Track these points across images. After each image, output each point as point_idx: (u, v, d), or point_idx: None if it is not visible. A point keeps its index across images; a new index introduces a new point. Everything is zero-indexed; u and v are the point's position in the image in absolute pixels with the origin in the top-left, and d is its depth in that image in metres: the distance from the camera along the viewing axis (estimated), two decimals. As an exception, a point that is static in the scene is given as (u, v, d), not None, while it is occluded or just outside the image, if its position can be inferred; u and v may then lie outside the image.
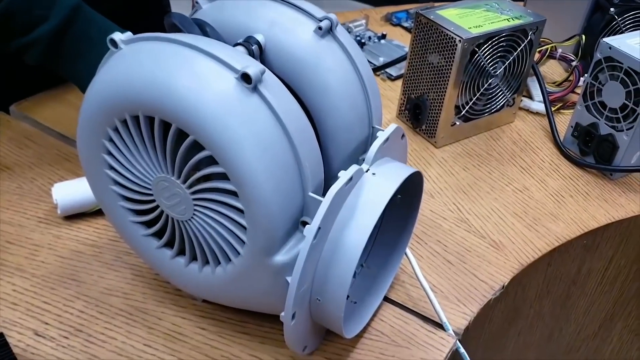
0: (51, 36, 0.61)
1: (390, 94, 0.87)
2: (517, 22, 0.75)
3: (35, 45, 0.61)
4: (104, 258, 0.60)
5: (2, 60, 0.73)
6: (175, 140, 0.44)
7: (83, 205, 0.63)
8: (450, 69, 0.72)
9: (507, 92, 0.81)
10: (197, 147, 0.43)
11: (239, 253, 0.46)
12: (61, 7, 0.61)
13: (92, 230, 0.62)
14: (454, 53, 0.71)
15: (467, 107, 0.77)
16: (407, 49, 0.94)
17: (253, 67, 0.42)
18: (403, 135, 0.54)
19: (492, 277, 0.62)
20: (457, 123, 0.78)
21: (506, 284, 0.61)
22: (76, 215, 0.63)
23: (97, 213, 0.63)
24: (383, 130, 0.51)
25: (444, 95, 0.74)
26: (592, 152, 0.77)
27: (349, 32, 0.98)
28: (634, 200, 0.73)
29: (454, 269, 0.62)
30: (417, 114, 0.79)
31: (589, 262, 0.74)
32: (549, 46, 0.88)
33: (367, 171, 0.49)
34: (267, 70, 0.44)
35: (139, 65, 0.44)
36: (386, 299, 0.58)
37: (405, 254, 0.58)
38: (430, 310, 0.57)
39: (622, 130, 0.74)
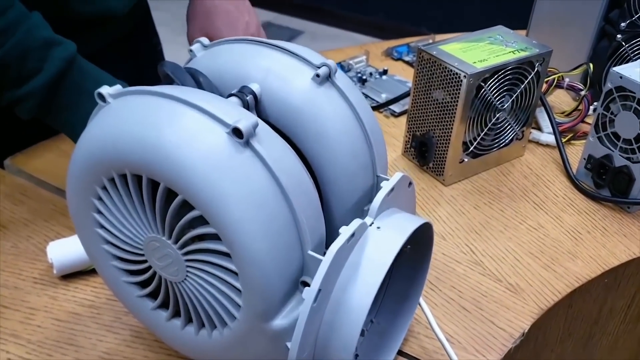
0: (45, 89, 0.60)
1: (395, 131, 0.85)
2: (522, 54, 0.73)
3: (29, 98, 0.60)
4: (103, 319, 0.57)
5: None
6: (165, 200, 0.42)
7: (79, 264, 0.60)
8: (456, 104, 0.70)
9: (516, 125, 0.78)
10: (187, 206, 0.41)
11: (235, 317, 0.43)
12: (55, 59, 0.59)
13: (89, 290, 0.60)
14: (459, 89, 0.69)
15: (475, 143, 0.75)
16: (409, 85, 0.92)
17: (245, 120, 0.40)
18: (410, 183, 0.51)
19: (511, 324, 0.58)
20: (466, 160, 0.76)
21: (526, 330, 0.58)
22: (73, 274, 0.61)
23: (94, 271, 0.61)
24: (388, 179, 0.49)
25: (451, 131, 0.72)
26: (607, 184, 0.75)
27: (350, 69, 0.96)
28: (655, 234, 0.70)
29: (471, 317, 0.59)
30: (424, 151, 0.76)
31: (610, 301, 0.71)
32: (555, 76, 0.85)
33: (371, 224, 0.46)
34: (260, 122, 0.41)
35: (125, 121, 0.42)
36: (400, 352, 0.55)
37: (419, 303, 0.55)
38: (447, 364, 0.53)
39: (638, 162, 0.71)
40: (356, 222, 0.44)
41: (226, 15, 0.80)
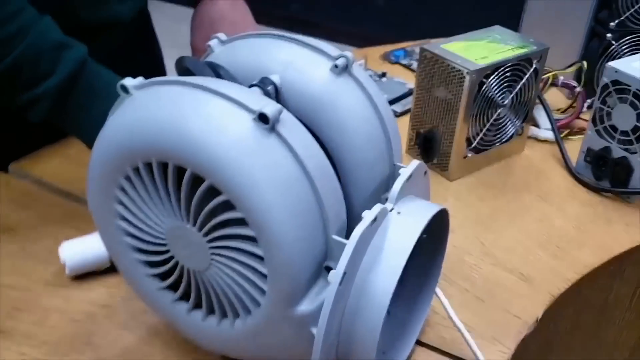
0: (57, 91, 0.60)
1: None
2: (521, 51, 0.75)
3: (42, 100, 0.60)
4: (119, 318, 0.57)
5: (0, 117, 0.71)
6: (191, 186, 0.42)
7: (93, 264, 0.60)
8: (460, 101, 0.71)
9: (516, 121, 0.80)
10: (213, 192, 0.41)
11: (259, 304, 0.44)
12: (67, 61, 0.60)
13: (104, 290, 0.59)
14: (462, 85, 0.70)
15: (477, 139, 0.76)
16: (409, 86, 0.93)
17: (270, 106, 0.40)
18: (426, 172, 0.52)
19: (525, 311, 0.59)
20: (469, 155, 0.77)
21: (539, 317, 0.59)
22: (86, 275, 0.60)
23: (108, 271, 0.60)
24: (405, 167, 0.50)
25: (455, 127, 0.73)
26: (606, 176, 0.76)
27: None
28: (656, 222, 0.72)
29: (486, 306, 0.60)
30: (428, 148, 0.77)
31: (616, 289, 0.72)
32: (550, 74, 0.87)
33: (391, 210, 0.47)
34: (284, 109, 0.42)
35: (151, 109, 0.42)
36: (419, 342, 0.56)
37: (436, 293, 0.55)
38: (466, 351, 0.54)
39: (636, 152, 0.73)
40: (378, 207, 0.45)
41: (232, 26, 0.81)
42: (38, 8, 0.60)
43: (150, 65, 0.92)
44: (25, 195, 0.71)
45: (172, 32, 1.42)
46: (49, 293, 0.59)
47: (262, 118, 0.40)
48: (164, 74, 0.97)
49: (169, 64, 0.96)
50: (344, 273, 0.41)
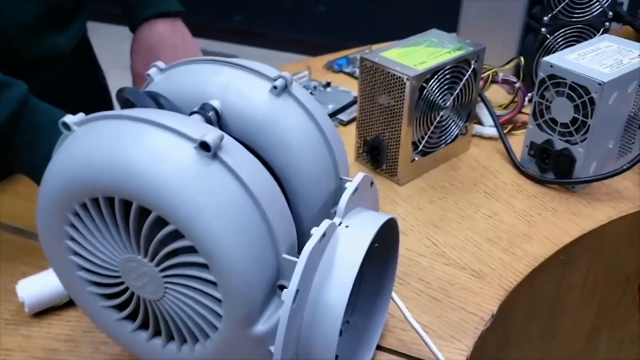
0: (0, 131, 0.59)
1: (345, 139, 0.86)
2: (458, 53, 0.77)
3: None
4: (81, 352, 0.57)
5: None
6: (138, 218, 0.42)
7: (51, 299, 0.60)
8: (402, 107, 0.73)
9: (459, 121, 0.82)
10: (161, 222, 0.42)
11: (216, 328, 0.44)
12: (7, 100, 0.59)
13: (64, 324, 0.59)
14: (404, 92, 0.72)
15: (423, 142, 0.78)
16: (354, 94, 0.95)
17: (211, 134, 0.41)
18: (372, 183, 0.53)
19: (480, 308, 0.61)
20: (416, 158, 0.79)
21: (495, 312, 0.61)
22: (45, 311, 0.60)
23: (67, 305, 0.60)
24: (351, 181, 0.51)
25: (400, 133, 0.75)
26: (550, 168, 0.79)
27: (294, 84, 0.98)
28: (600, 209, 0.74)
29: (442, 305, 0.61)
30: (376, 154, 0.79)
31: (567, 277, 0.74)
32: (490, 72, 0.89)
33: (340, 224, 0.48)
34: (225, 135, 0.43)
35: (93, 146, 0.43)
36: (379, 347, 0.57)
37: (392, 298, 0.57)
38: (425, 352, 0.55)
39: (577, 143, 0.75)
40: (326, 223, 0.46)
41: (172, 50, 0.81)
42: None
43: (93, 92, 0.92)
44: (-22, 235, 0.70)
45: (112, 52, 1.42)
46: (9, 332, 0.59)
47: (204, 146, 0.41)
48: (109, 99, 0.97)
49: (112, 85, 0.97)
50: (297, 291, 0.42)
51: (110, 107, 0.97)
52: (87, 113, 0.45)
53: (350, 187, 0.50)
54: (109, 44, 1.59)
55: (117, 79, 1.04)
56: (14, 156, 0.62)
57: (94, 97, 0.92)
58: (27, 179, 0.64)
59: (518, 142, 0.84)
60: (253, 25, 3.23)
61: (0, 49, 0.65)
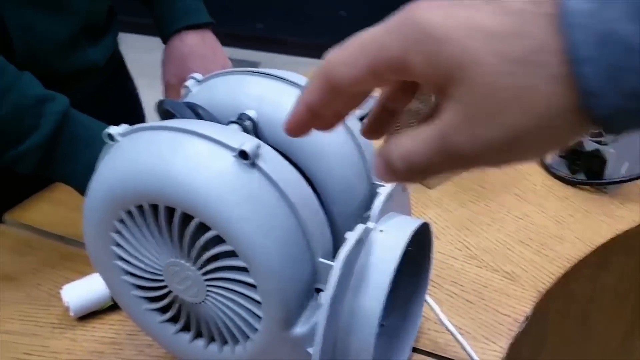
0: (44, 144, 0.61)
1: (375, 144, 0.88)
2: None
3: (29, 155, 0.61)
4: (126, 354, 0.59)
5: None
6: (182, 224, 0.44)
7: (95, 303, 0.62)
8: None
9: (490, 124, 0.82)
10: (203, 228, 0.43)
11: (256, 329, 0.46)
12: (50, 114, 0.61)
13: (108, 328, 0.62)
14: (432, 95, 0.73)
15: (454, 146, 0.78)
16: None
17: (249, 143, 0.43)
18: (404, 189, 0.55)
19: (514, 309, 0.62)
20: (447, 162, 0.79)
21: (529, 314, 0.61)
22: (90, 315, 0.62)
23: (111, 309, 0.63)
24: (384, 186, 0.52)
25: (431, 137, 0.75)
26: (582, 169, 0.79)
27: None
28: (633, 209, 0.74)
29: (475, 308, 0.62)
30: (407, 159, 0.80)
31: (601, 279, 0.74)
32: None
33: (373, 229, 0.49)
34: (262, 144, 0.44)
35: (137, 156, 0.45)
36: (414, 349, 0.58)
37: (426, 300, 0.58)
38: (460, 354, 0.56)
39: (607, 144, 0.75)
40: (361, 227, 0.47)
41: (201, 60, 0.83)
42: (15, 64, 0.63)
43: (126, 102, 0.94)
44: (22, 244, 0.73)
45: (140, 62, 1.45)
46: (56, 336, 0.61)
47: (243, 155, 0.43)
48: (140, 110, 1.00)
49: (142, 94, 0.99)
50: (334, 294, 0.44)
51: (141, 115, 1.00)
52: (119, 123, 0.47)
53: (384, 192, 0.51)
54: (136, 54, 1.62)
55: (145, 87, 1.06)
56: (57, 168, 0.64)
57: (126, 107, 0.95)
58: (66, 187, 0.67)
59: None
60: (275, 32, 3.26)
61: (37, 65, 0.67)
